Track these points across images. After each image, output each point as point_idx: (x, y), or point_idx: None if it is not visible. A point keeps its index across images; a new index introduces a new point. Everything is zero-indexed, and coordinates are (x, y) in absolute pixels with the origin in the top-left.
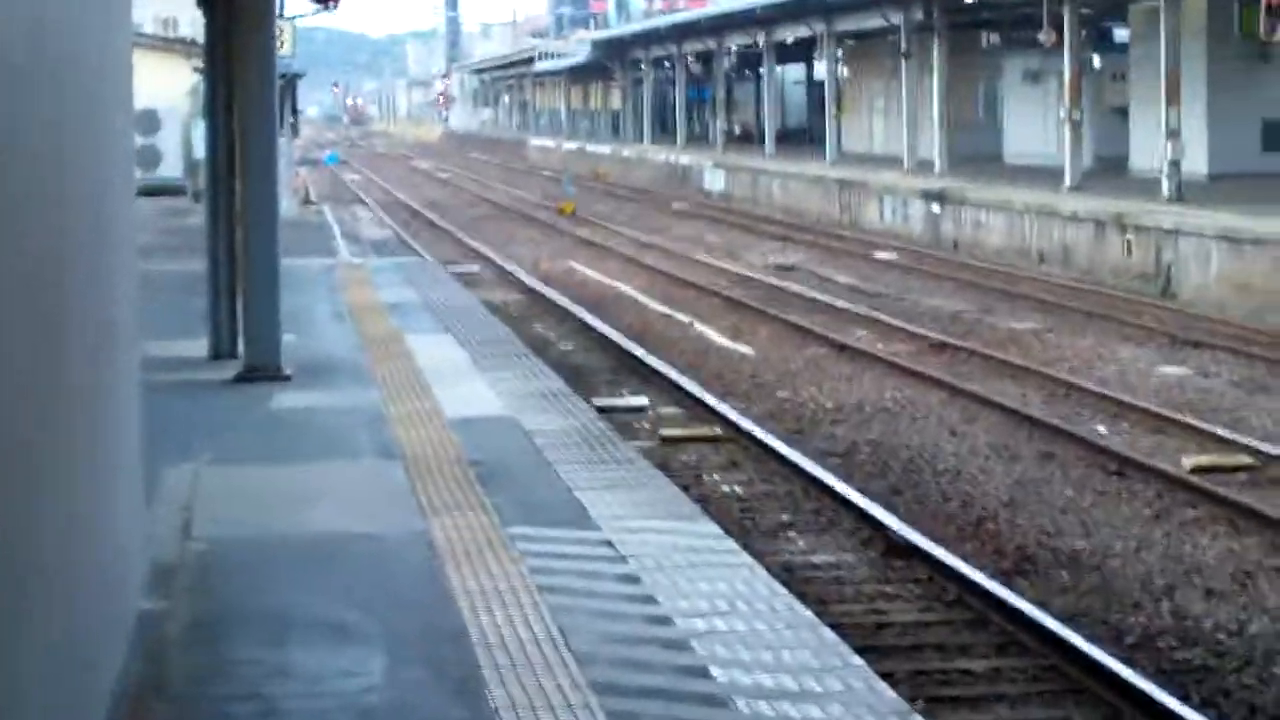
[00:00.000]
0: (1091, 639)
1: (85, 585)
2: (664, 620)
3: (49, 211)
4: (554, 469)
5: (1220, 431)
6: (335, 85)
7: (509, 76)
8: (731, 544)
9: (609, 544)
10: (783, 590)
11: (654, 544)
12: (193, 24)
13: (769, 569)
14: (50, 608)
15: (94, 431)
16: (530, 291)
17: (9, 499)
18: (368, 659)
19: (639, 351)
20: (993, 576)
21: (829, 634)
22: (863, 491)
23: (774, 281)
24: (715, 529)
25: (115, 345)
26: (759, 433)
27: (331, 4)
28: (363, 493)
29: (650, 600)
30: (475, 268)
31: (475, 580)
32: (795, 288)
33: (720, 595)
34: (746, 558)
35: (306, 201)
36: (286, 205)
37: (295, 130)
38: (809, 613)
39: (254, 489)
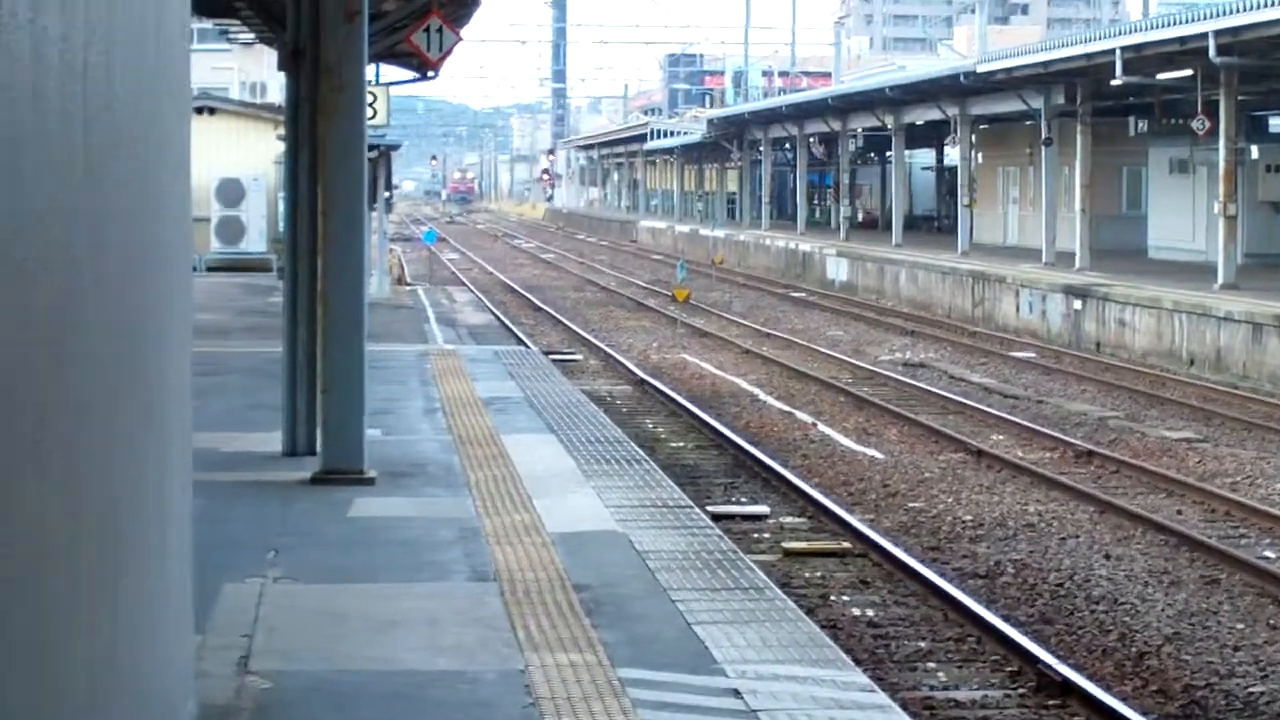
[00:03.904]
0: None
1: None
2: None
3: (84, 287)
4: (669, 596)
5: None
6: (434, 158)
7: (619, 154)
8: (882, 697)
9: (736, 694)
10: None
11: (790, 696)
12: (281, 90)
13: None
14: None
15: (129, 541)
16: (639, 383)
17: (18, 625)
18: None
19: (758, 453)
20: None
21: None
22: (1009, 619)
23: (903, 379)
24: (862, 678)
25: (161, 438)
26: (892, 548)
27: (431, 73)
28: (452, 622)
29: None
30: (579, 356)
31: None
32: (926, 386)
33: None
34: (902, 716)
35: (400, 282)
36: (378, 286)
37: (389, 205)
38: None
39: (327, 612)
